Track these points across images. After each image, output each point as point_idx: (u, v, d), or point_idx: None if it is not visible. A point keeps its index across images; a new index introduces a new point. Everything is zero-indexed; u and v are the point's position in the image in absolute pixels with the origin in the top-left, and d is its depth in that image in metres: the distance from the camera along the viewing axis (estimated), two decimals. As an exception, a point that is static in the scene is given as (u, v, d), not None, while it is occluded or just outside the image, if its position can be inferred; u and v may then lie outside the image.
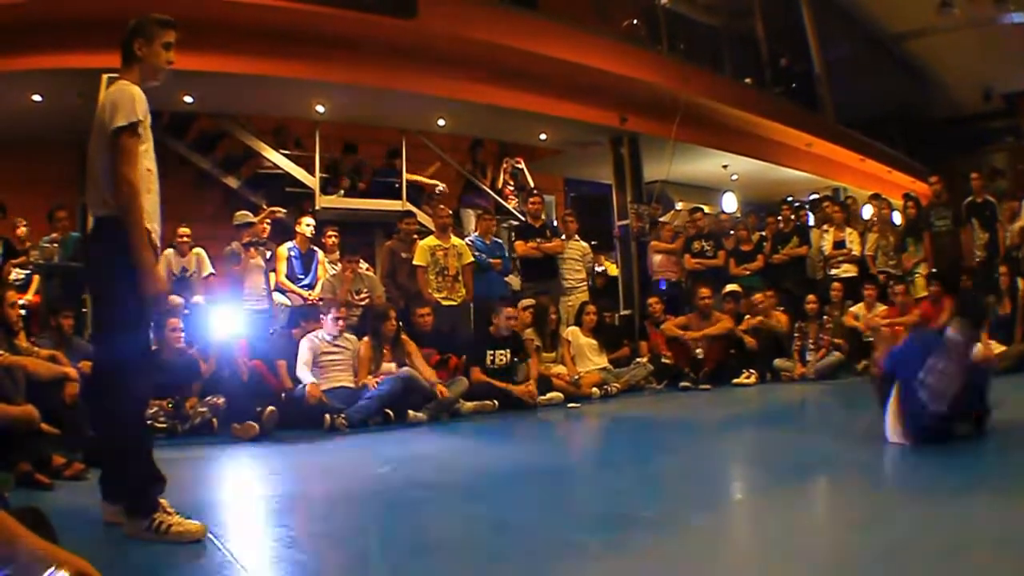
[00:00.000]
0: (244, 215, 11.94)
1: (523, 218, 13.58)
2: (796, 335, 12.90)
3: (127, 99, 4.26)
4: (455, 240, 12.05)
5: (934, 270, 13.36)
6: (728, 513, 4.82)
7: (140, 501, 4.18)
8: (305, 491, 6.14)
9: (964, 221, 13.86)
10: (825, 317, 13.00)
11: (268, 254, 11.87)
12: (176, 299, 11.33)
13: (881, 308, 12.96)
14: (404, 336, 10.13)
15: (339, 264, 11.91)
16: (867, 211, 15.88)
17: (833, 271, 14.28)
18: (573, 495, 5.56)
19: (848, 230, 14.54)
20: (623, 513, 4.78)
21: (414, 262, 11.67)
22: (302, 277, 11.96)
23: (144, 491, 4.20)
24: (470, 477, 6.47)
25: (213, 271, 12.04)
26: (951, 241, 13.81)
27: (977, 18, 22.43)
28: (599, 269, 16.45)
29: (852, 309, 13.07)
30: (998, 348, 10.91)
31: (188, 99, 13.13)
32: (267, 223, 12.27)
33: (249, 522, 4.99)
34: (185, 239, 11.91)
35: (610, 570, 3.59)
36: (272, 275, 11.86)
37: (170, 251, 11.72)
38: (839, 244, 14.45)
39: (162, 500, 4.22)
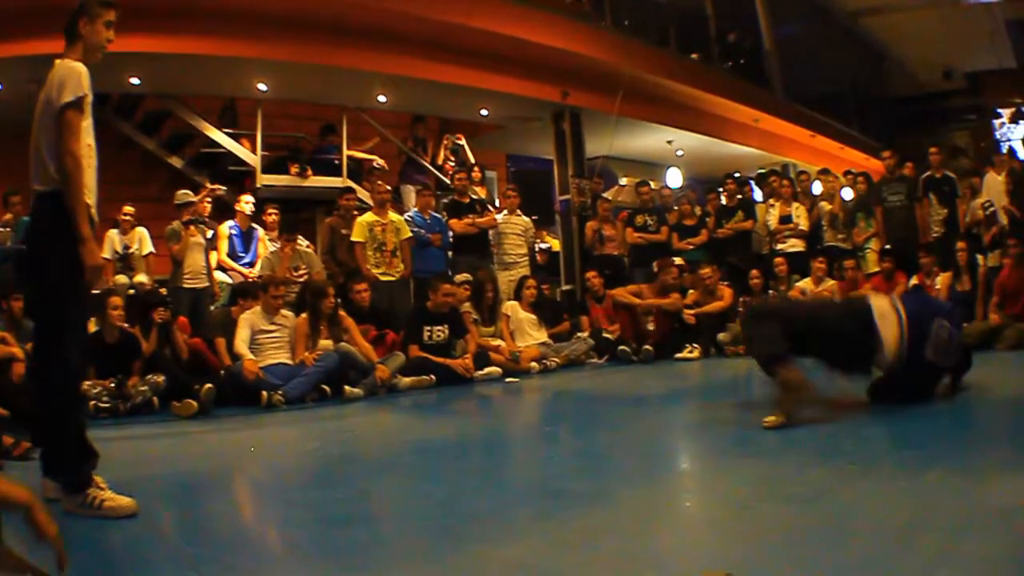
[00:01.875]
0: (185, 194, 11.94)
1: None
2: (740, 309, 12.60)
3: (74, 75, 4.36)
4: (393, 216, 12.09)
5: (887, 246, 13.39)
6: (663, 486, 4.66)
7: (74, 477, 4.25)
8: (236, 467, 6.19)
9: (921, 196, 13.85)
10: (771, 292, 12.92)
11: (210, 233, 11.90)
12: (121, 278, 11.38)
13: (830, 282, 12.83)
14: (342, 312, 10.19)
15: (279, 242, 11.90)
16: (816, 187, 15.82)
17: (780, 246, 14.18)
18: (503, 468, 5.55)
19: (795, 205, 14.45)
20: (553, 486, 4.76)
21: (352, 238, 11.73)
22: (243, 255, 12.07)
23: (78, 467, 4.26)
24: (401, 451, 6.51)
25: (153, 250, 12.10)
26: (905, 216, 13.81)
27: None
28: (543, 246, 16.46)
29: (799, 284, 12.92)
30: None
31: (135, 80, 13.18)
32: (208, 201, 12.28)
33: (178, 497, 5.00)
34: (128, 218, 11.97)
35: (532, 543, 3.51)
36: (213, 253, 11.90)
37: (114, 231, 11.87)
38: (785, 219, 14.35)
39: (96, 476, 4.28)
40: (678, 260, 13.64)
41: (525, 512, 4.10)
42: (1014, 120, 26.42)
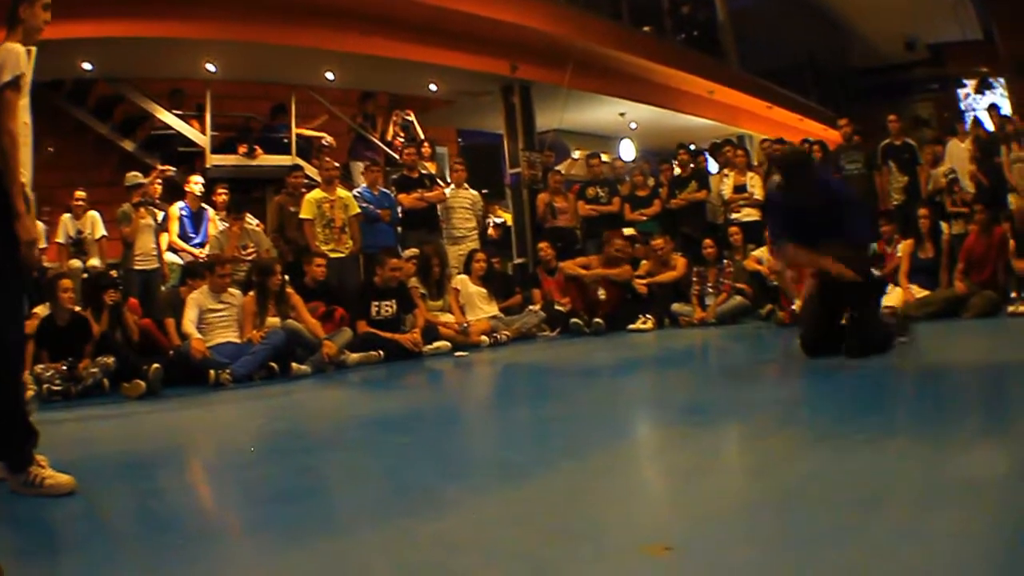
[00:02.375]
0: (135, 176, 11.99)
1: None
2: (695, 280, 12.71)
3: (12, 56, 4.44)
4: (341, 192, 12.08)
5: None
6: (606, 458, 4.44)
7: (17, 456, 4.29)
8: (180, 445, 6.26)
9: (880, 164, 13.89)
10: (726, 261, 12.80)
11: (160, 215, 11.96)
12: (75, 263, 11.40)
13: None
14: (289, 290, 10.24)
15: (228, 221, 11.92)
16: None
17: (734, 216, 13.92)
18: (446, 442, 5.44)
19: (750, 174, 14.29)
20: (493, 458, 4.81)
21: (300, 215, 11.72)
22: (193, 236, 12.05)
23: (20, 446, 4.30)
24: (346, 426, 6.59)
25: (106, 234, 12.09)
26: (863, 184, 13.67)
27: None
28: (497, 220, 16.46)
29: (755, 253, 12.62)
30: (920, 293, 11.07)
31: (87, 66, 13.21)
32: (159, 183, 12.33)
33: (120, 476, 5.03)
34: (81, 203, 11.96)
35: (463, 517, 3.44)
36: (164, 235, 11.96)
37: (67, 215, 11.89)
38: (740, 188, 14.12)
39: (39, 455, 4.33)
40: (628, 231, 13.66)
41: (460, 485, 4.03)
42: (979, 90, 26.53)
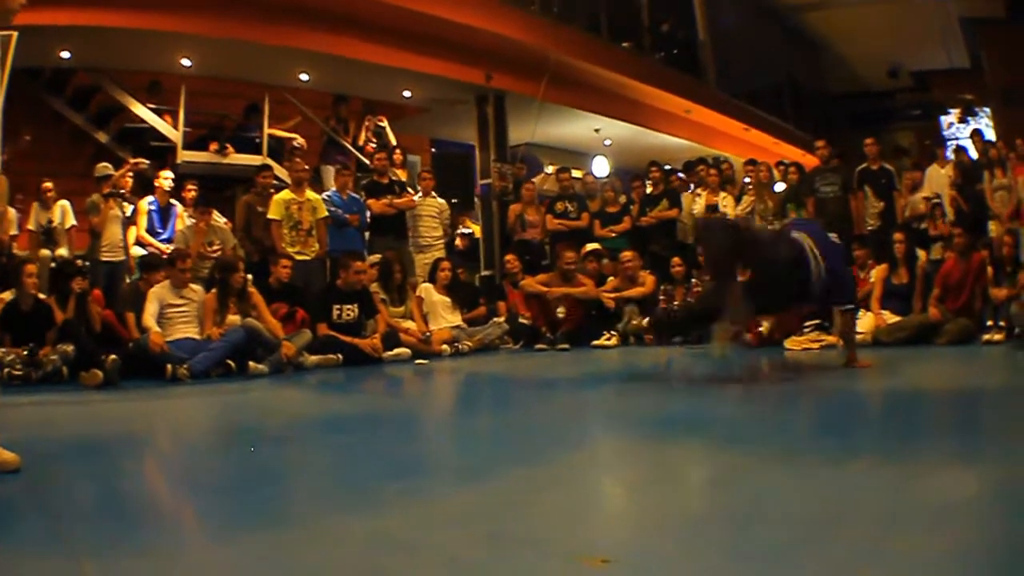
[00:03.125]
0: (105, 167, 12.06)
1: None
2: (662, 297, 12.60)
3: None
4: (310, 194, 12.08)
5: None
6: (555, 466, 4.37)
7: None
8: (129, 434, 6.26)
9: (855, 188, 13.79)
10: (694, 280, 12.51)
11: (129, 209, 11.98)
12: (44, 252, 11.41)
13: None
14: (251, 288, 10.27)
15: (195, 216, 11.94)
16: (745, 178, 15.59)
17: None
18: (396, 444, 5.40)
19: (723, 194, 14.39)
20: (441, 462, 4.80)
21: (268, 216, 11.72)
22: (161, 231, 12.08)
23: None
24: (296, 424, 6.59)
25: (76, 223, 12.16)
26: (838, 207, 13.57)
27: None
28: (465, 231, 16.48)
29: None
30: (892, 319, 11.02)
31: (65, 54, 13.20)
32: (130, 176, 12.31)
33: (65, 459, 5.06)
34: (50, 193, 12.01)
35: (402, 516, 3.38)
36: (132, 229, 12.00)
37: (36, 204, 11.94)
38: (712, 208, 14.15)
39: None
40: (593, 246, 13.70)
41: (403, 486, 3.96)
42: (963, 119, 26.56)
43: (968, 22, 23.60)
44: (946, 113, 27.10)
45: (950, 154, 15.57)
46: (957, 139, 24.18)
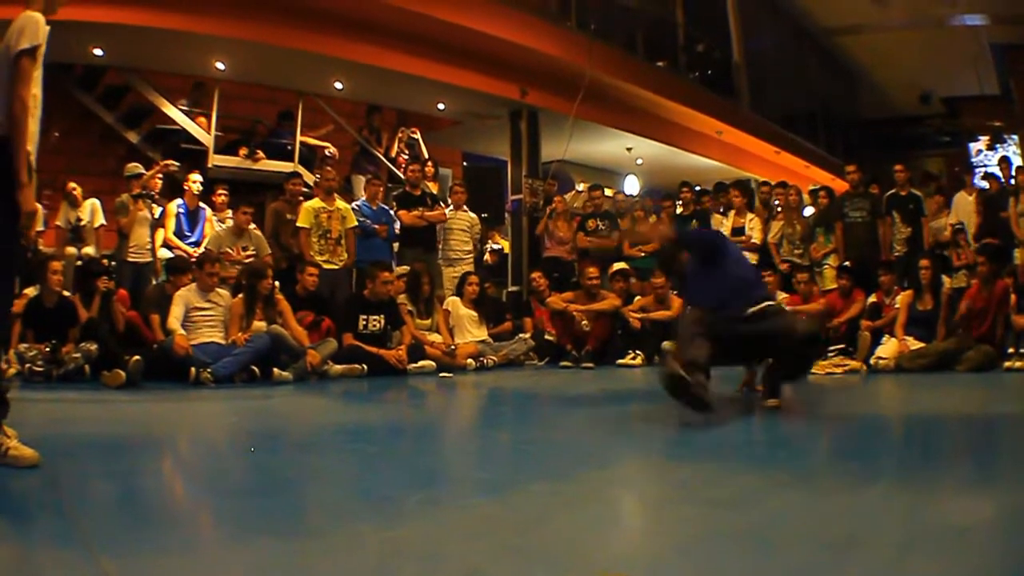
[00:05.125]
0: (135, 167, 12.10)
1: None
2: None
3: (32, 24, 4.45)
4: (340, 203, 12.05)
5: (846, 262, 13.05)
6: (577, 482, 4.33)
7: None
8: (149, 435, 6.19)
9: (884, 213, 13.65)
10: None
11: (158, 210, 11.94)
12: (70, 249, 11.41)
13: (782, 296, 12.05)
14: (278, 296, 10.22)
15: (232, 218, 11.96)
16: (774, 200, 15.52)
17: None
18: (417, 455, 5.40)
19: (750, 216, 14.27)
20: (462, 475, 4.75)
21: (297, 223, 11.69)
22: (189, 235, 12.00)
23: None
24: (319, 432, 6.56)
25: (104, 223, 12.19)
26: (866, 233, 13.54)
27: (921, 18, 22.52)
28: (495, 246, 16.43)
29: None
30: (915, 345, 10.90)
31: (98, 51, 13.18)
32: (159, 177, 12.31)
33: (84, 457, 5.02)
34: (76, 192, 12.04)
35: (421, 527, 3.34)
36: (160, 231, 11.94)
37: (64, 202, 12.01)
38: (738, 230, 14.00)
39: (7, 428, 4.34)
40: (619, 265, 13.53)
41: (422, 497, 3.91)
42: (991, 147, 26.43)
43: (998, 48, 23.57)
44: (975, 140, 26.95)
45: (978, 181, 15.44)
46: (986, 166, 24.11)
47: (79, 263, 11.17)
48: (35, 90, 4.52)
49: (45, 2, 4.65)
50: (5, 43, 4.46)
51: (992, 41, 23.29)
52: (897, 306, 11.50)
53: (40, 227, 11.36)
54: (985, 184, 14.63)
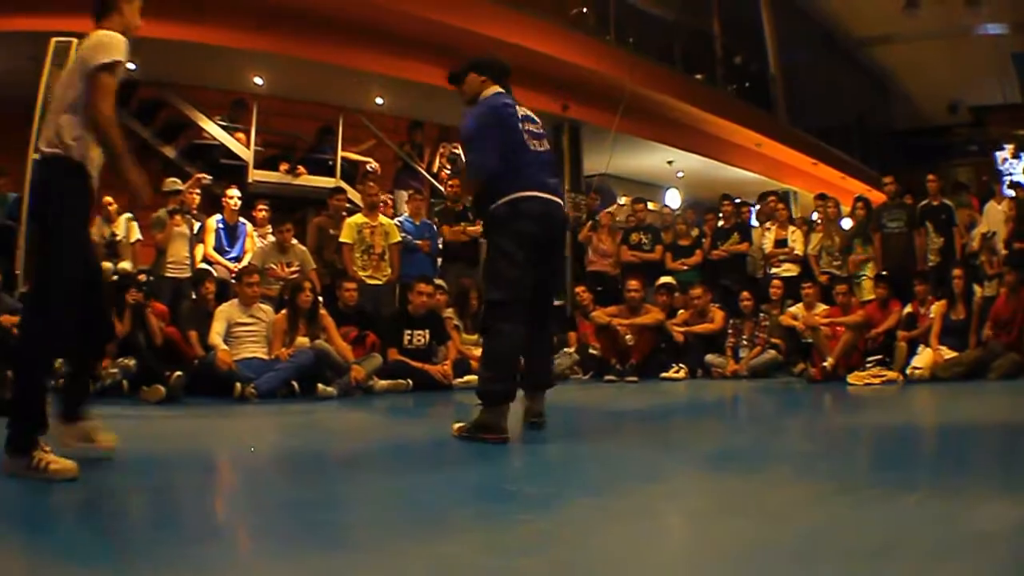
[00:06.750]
0: (173, 182, 12.04)
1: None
2: (730, 331, 12.76)
3: (114, 41, 4.54)
4: (383, 219, 12.02)
5: (883, 272, 13.06)
6: (623, 496, 4.28)
7: (24, 440, 4.27)
8: (189, 449, 6.13)
9: (918, 223, 13.63)
10: (762, 315, 12.78)
11: (197, 225, 11.89)
12: (106, 264, 11.34)
13: (821, 308, 12.28)
14: (322, 311, 10.09)
15: (276, 234, 11.85)
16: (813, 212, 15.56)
17: (774, 270, 13.88)
18: (464, 471, 5.23)
19: (791, 228, 14.25)
20: (510, 489, 4.61)
21: (340, 239, 11.65)
22: (228, 250, 11.92)
23: (31, 431, 4.30)
24: (363, 448, 6.48)
25: (140, 238, 12.15)
26: (903, 243, 13.55)
27: (948, 28, 22.47)
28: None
29: (791, 309, 12.44)
30: (949, 354, 11.04)
31: (131, 66, 13.03)
32: (197, 193, 12.26)
33: (122, 471, 4.94)
34: (112, 207, 12.00)
35: (467, 542, 3.28)
36: (200, 246, 11.88)
37: (99, 217, 11.82)
38: (781, 243, 14.10)
39: (43, 445, 4.33)
40: (665, 279, 13.55)
41: (470, 512, 3.92)
42: (1016, 155, 26.35)
43: (1020, 57, 23.50)
44: (1001, 149, 26.85)
45: (1006, 190, 15.32)
46: (1011, 174, 24.45)
47: (115, 278, 11.11)
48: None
49: (121, 24, 4.73)
50: (79, 54, 4.56)
51: (1013, 50, 23.60)
52: (932, 316, 11.64)
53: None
54: (1011, 193, 14.45)
